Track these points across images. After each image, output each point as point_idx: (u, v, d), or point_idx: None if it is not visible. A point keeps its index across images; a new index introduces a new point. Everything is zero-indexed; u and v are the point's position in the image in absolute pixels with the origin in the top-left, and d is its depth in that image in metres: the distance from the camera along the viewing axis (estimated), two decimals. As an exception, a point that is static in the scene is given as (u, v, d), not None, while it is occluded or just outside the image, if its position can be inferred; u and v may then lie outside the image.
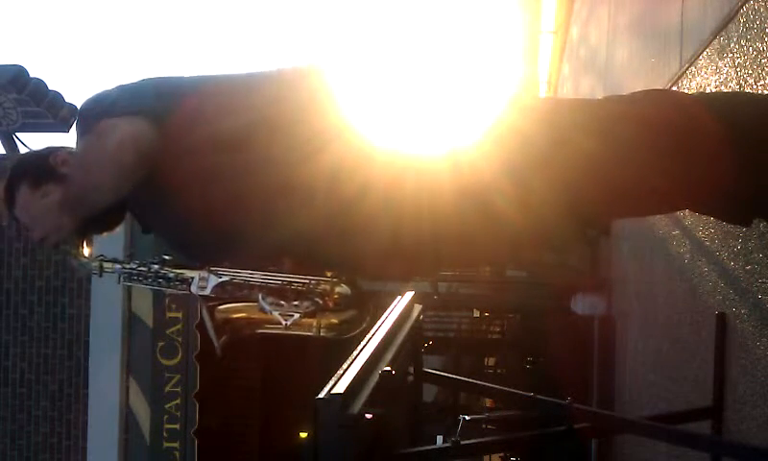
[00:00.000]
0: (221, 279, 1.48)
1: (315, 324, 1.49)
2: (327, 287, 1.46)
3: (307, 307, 1.46)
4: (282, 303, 1.46)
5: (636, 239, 4.26)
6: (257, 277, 1.47)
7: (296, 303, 1.47)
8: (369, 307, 1.57)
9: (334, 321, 1.49)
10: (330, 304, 1.47)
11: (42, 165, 1.55)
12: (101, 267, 1.58)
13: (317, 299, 1.46)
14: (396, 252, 1.44)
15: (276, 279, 1.47)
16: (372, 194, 1.36)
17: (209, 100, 1.43)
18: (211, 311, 1.50)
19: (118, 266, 1.58)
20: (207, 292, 1.49)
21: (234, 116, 1.38)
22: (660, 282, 3.33)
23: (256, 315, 1.50)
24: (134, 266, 1.55)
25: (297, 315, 1.49)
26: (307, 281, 1.47)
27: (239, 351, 7.25)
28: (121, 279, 1.59)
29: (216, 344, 1.51)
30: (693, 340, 2.68)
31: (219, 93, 1.41)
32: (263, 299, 1.46)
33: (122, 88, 1.51)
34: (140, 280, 1.55)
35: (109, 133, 1.40)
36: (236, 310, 1.52)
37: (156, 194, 1.40)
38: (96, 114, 1.46)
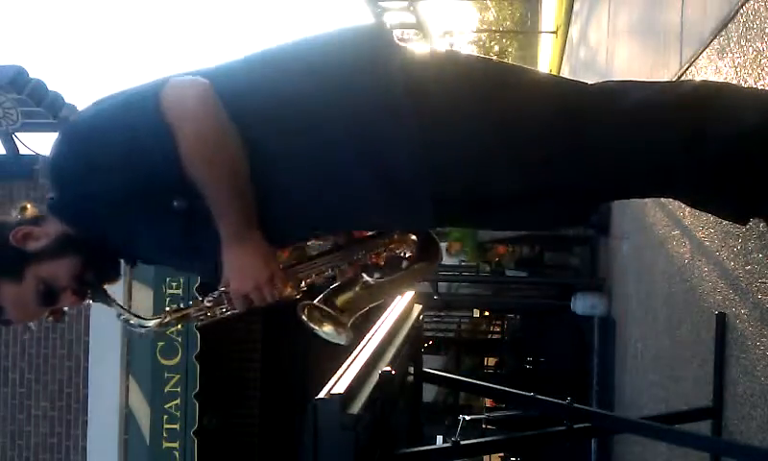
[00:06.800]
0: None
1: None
2: (402, 242, 1.44)
3: (406, 267, 1.44)
4: (385, 273, 1.43)
5: (636, 239, 4.26)
6: (337, 258, 1.42)
7: (393, 268, 1.44)
8: (437, 255, 1.52)
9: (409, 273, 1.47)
10: (408, 259, 1.45)
11: (9, 252, 1.34)
12: (166, 322, 1.38)
13: (399, 256, 1.44)
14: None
15: (357, 254, 1.43)
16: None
17: None
18: (330, 302, 1.41)
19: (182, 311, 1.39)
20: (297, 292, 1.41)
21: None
22: (660, 282, 3.33)
23: (366, 292, 1.43)
24: (190, 304, 1.39)
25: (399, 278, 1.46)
26: (384, 243, 1.44)
27: (239, 349, 7.26)
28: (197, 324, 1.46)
29: (343, 334, 1.40)
30: (693, 340, 2.68)
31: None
32: (368, 276, 1.42)
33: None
34: (210, 317, 1.39)
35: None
36: (347, 292, 1.44)
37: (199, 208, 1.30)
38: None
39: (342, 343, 1.40)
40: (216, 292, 1.35)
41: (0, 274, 1.34)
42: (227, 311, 1.37)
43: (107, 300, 1.39)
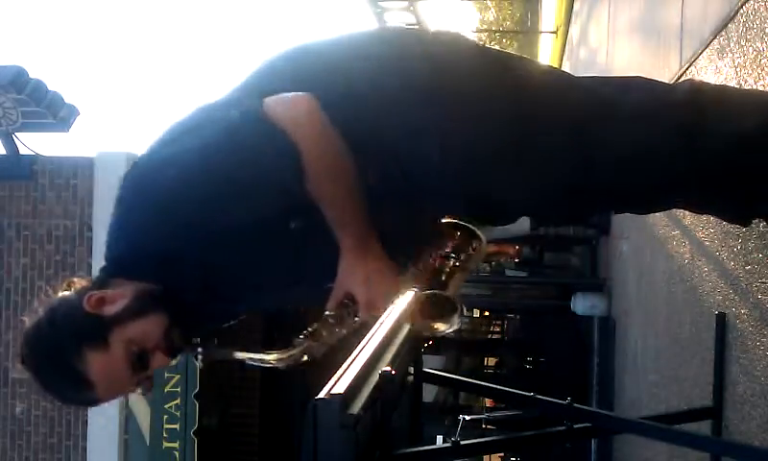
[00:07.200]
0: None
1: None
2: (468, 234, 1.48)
3: (475, 247, 1.49)
4: (467, 256, 1.47)
5: (636, 239, 4.26)
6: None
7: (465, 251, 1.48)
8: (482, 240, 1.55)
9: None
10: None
11: (87, 320, 1.21)
12: (305, 350, 1.28)
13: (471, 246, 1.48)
14: None
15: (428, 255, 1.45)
16: None
17: None
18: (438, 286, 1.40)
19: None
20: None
21: None
22: (660, 282, 3.34)
23: (455, 273, 1.47)
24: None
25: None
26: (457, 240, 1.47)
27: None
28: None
29: (456, 316, 1.39)
30: (693, 340, 2.69)
31: None
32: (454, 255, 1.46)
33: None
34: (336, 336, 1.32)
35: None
36: (443, 276, 1.46)
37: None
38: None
39: (455, 327, 1.38)
40: (332, 311, 1.29)
41: (85, 344, 1.21)
42: (348, 326, 1.31)
43: (222, 352, 1.28)
